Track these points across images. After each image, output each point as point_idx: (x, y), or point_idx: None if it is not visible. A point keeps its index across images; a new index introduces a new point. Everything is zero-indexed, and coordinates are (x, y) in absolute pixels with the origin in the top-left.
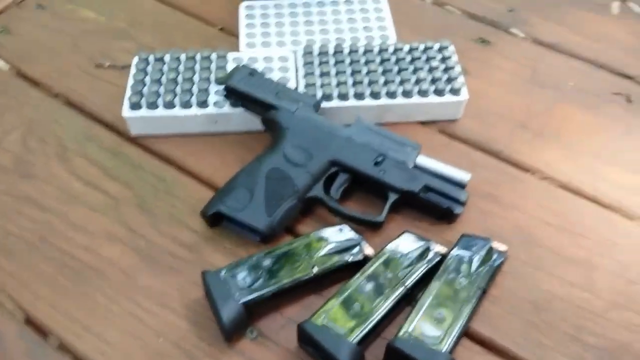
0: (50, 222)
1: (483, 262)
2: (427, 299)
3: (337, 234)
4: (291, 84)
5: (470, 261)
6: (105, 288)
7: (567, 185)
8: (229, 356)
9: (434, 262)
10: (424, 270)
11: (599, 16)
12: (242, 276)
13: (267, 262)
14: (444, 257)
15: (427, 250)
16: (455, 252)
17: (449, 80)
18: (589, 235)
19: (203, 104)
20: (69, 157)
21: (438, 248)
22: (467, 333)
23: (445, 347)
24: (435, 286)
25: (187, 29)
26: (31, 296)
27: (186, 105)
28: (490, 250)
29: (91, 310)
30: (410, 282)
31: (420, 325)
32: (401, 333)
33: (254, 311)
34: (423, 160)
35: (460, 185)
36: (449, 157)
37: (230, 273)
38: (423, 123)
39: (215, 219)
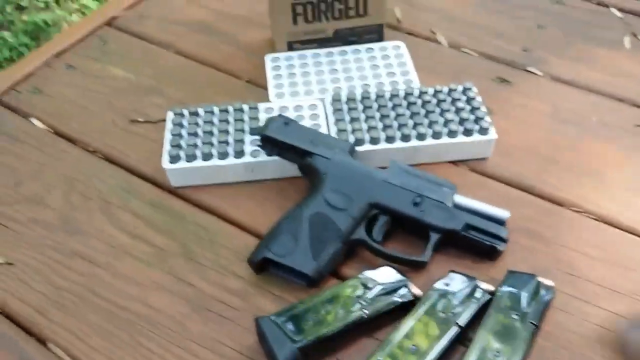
0: (99, 275)
1: (532, 298)
2: (482, 337)
3: (383, 276)
4: (323, 131)
5: (519, 298)
6: (158, 337)
7: (604, 218)
8: None
9: (483, 301)
10: (475, 309)
11: (613, 51)
12: (295, 321)
13: (318, 307)
14: (492, 295)
15: (475, 288)
16: (504, 289)
17: (477, 120)
18: (634, 267)
19: (240, 153)
20: (112, 211)
21: (485, 286)
22: None
23: None
24: (489, 324)
25: (214, 82)
26: (86, 348)
27: (224, 156)
28: (538, 286)
29: (146, 359)
30: (463, 321)
31: None
32: None
33: (309, 355)
34: (461, 199)
35: (500, 223)
36: (484, 195)
37: (282, 318)
38: (454, 162)
39: (261, 266)
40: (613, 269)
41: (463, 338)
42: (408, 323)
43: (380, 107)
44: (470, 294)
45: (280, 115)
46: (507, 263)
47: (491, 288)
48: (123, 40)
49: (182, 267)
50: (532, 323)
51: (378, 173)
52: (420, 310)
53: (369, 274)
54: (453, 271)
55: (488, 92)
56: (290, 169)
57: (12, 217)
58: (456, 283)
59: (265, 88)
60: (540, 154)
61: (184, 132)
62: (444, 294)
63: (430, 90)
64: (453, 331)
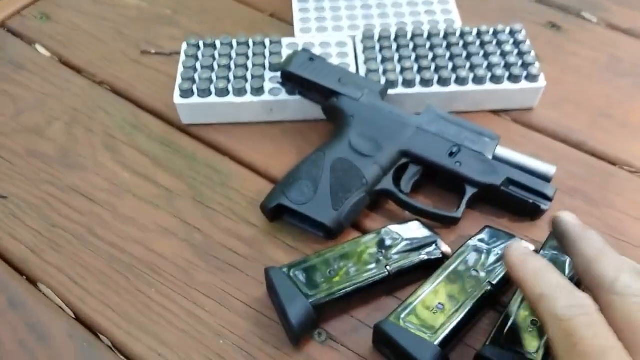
0: (99, 214)
1: None
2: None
3: (410, 231)
4: (352, 71)
5: (563, 263)
6: (160, 285)
7: None
8: None
9: None
10: None
11: None
12: (310, 275)
13: (336, 260)
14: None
15: None
16: (546, 251)
17: (524, 65)
18: None
19: (258, 91)
20: (116, 146)
21: (525, 244)
22: None
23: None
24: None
25: (235, 15)
26: (81, 291)
27: (240, 92)
28: None
29: (146, 308)
30: (497, 280)
31: None
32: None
33: (323, 313)
34: (503, 151)
35: (545, 179)
36: (528, 149)
37: (296, 270)
38: (495, 112)
39: (276, 213)
40: None
41: (495, 301)
42: (436, 279)
43: (416, 47)
44: None
45: (304, 50)
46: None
47: (532, 247)
48: None
49: (189, 211)
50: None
51: (411, 118)
52: (450, 267)
53: (394, 228)
54: (489, 227)
55: (538, 38)
56: (313, 110)
57: (9, 148)
58: (492, 239)
59: (290, 24)
60: (592, 108)
61: (198, 65)
62: (478, 251)
63: (474, 31)
64: (484, 291)
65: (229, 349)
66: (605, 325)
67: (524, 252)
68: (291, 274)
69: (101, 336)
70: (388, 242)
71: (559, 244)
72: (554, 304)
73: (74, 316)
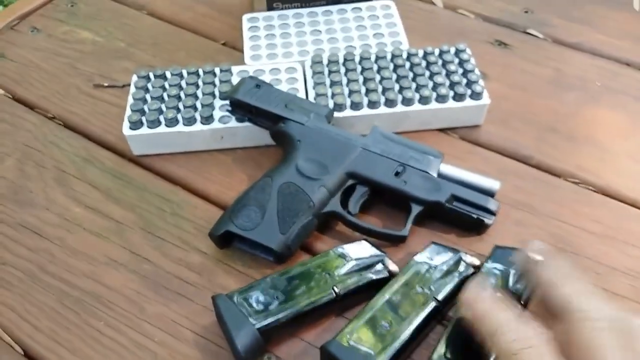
0: (49, 250)
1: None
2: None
3: (358, 251)
4: (301, 96)
5: (507, 275)
6: (110, 318)
7: (605, 190)
8: None
9: (466, 275)
10: (456, 284)
11: (622, 13)
12: (257, 299)
13: (283, 284)
14: (476, 269)
15: (458, 262)
16: (490, 264)
17: (469, 84)
18: (636, 243)
19: (208, 119)
20: (68, 181)
21: (470, 259)
22: None
23: None
24: None
25: (188, 45)
26: (30, 328)
27: (190, 121)
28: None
29: (96, 342)
30: (442, 296)
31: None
32: None
33: (271, 336)
34: (448, 168)
35: (490, 194)
36: (475, 165)
37: (243, 296)
38: (443, 130)
39: (225, 240)
40: (613, 245)
41: (442, 316)
42: (381, 297)
43: (364, 70)
44: (453, 268)
45: (251, 77)
46: (495, 238)
47: (476, 262)
48: (93, 1)
49: (140, 242)
50: (522, 302)
51: (357, 140)
52: (396, 285)
53: (342, 248)
54: (435, 243)
55: (485, 57)
56: (263, 136)
57: None
58: (438, 255)
59: (242, 51)
60: (539, 122)
61: (148, 96)
62: (423, 267)
63: (420, 52)
64: (430, 307)
65: None
66: (553, 355)
67: (475, 294)
68: (237, 300)
69: None
70: (336, 263)
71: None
72: (502, 339)
73: (22, 353)
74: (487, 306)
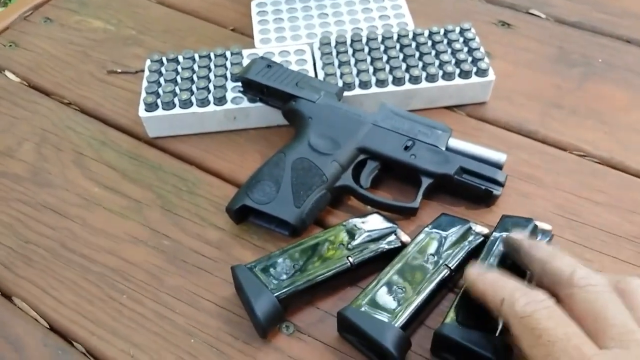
0: (70, 228)
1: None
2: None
3: (371, 223)
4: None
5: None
6: (131, 291)
7: (609, 162)
8: (265, 353)
9: (475, 244)
10: (466, 252)
11: None
12: (275, 269)
13: (299, 255)
14: (485, 238)
15: (468, 231)
16: (498, 233)
17: (474, 61)
18: (639, 211)
19: (221, 100)
20: (85, 163)
21: (479, 229)
22: None
23: None
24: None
25: (198, 32)
26: (54, 303)
27: (203, 103)
28: (535, 230)
29: (118, 313)
30: (453, 264)
31: None
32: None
33: (289, 305)
34: (455, 142)
35: (497, 167)
36: (482, 140)
37: (261, 266)
38: (450, 108)
39: (241, 215)
40: (617, 214)
41: (452, 284)
42: (395, 266)
43: (371, 50)
44: (462, 237)
45: (262, 58)
46: (503, 209)
47: (485, 230)
48: None
49: (158, 219)
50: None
51: (367, 116)
52: (409, 253)
53: (354, 221)
54: (445, 214)
55: (489, 37)
56: (275, 116)
57: None
58: (448, 225)
59: (251, 37)
60: (543, 98)
61: (162, 79)
62: (434, 237)
63: (426, 32)
64: (442, 274)
65: (200, 347)
66: (565, 315)
67: (479, 270)
68: (256, 270)
69: (75, 343)
70: (349, 235)
71: (514, 259)
72: (513, 304)
73: (48, 326)
74: (493, 277)
